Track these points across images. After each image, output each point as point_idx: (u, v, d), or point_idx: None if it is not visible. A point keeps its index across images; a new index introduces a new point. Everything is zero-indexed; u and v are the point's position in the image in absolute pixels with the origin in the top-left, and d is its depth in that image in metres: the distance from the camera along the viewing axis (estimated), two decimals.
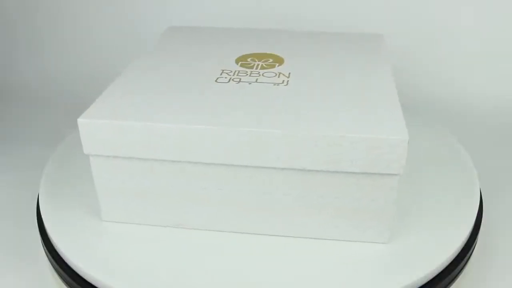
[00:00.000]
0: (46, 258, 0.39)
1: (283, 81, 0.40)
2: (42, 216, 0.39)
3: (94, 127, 0.34)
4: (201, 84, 0.39)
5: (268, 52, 0.46)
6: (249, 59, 0.44)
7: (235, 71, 0.42)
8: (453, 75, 0.73)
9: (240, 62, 0.43)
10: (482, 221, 0.40)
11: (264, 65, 0.43)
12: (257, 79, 0.40)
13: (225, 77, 0.40)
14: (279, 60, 0.44)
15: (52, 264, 0.37)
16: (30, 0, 0.78)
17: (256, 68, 0.42)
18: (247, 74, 0.41)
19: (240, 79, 0.40)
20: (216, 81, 0.40)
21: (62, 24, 0.79)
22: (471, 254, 0.38)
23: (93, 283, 0.34)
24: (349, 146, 0.32)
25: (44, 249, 0.38)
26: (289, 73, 0.41)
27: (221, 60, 0.44)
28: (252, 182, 0.35)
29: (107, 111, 0.35)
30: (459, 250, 0.36)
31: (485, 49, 0.73)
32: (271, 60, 0.44)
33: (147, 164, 0.35)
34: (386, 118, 0.34)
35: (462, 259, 0.36)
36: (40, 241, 0.40)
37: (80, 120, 0.34)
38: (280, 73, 0.41)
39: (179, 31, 0.51)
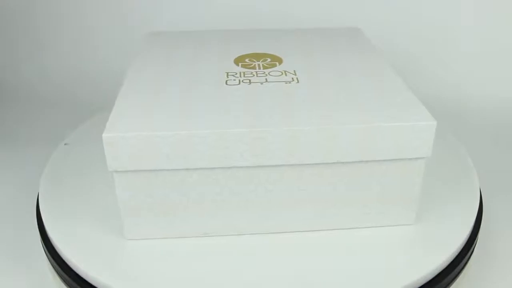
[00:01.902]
0: (46, 258, 0.39)
1: (293, 78, 0.40)
2: (42, 216, 0.39)
3: (121, 142, 0.33)
4: (212, 88, 0.38)
5: (263, 52, 0.46)
6: (247, 60, 0.44)
7: (240, 72, 0.41)
8: (453, 75, 0.73)
9: (240, 63, 0.43)
10: (482, 221, 0.40)
11: (265, 65, 0.43)
12: (266, 79, 0.40)
13: (234, 79, 0.40)
14: (278, 59, 0.44)
15: (52, 264, 0.37)
16: (30, 0, 0.78)
17: (259, 68, 0.42)
18: (253, 75, 0.41)
19: (250, 80, 0.40)
20: (226, 83, 0.39)
21: (62, 24, 0.79)
22: (471, 254, 0.38)
23: (93, 283, 0.34)
24: (382, 135, 0.33)
25: (44, 249, 0.38)
26: (294, 71, 0.41)
27: (220, 63, 0.43)
28: (285, 181, 0.35)
29: (131, 124, 0.33)
30: (459, 250, 0.36)
31: (485, 49, 0.73)
32: (269, 60, 0.44)
33: (176, 175, 0.34)
34: (407, 105, 0.36)
35: (462, 259, 0.36)
36: (40, 241, 0.40)
37: (105, 136, 0.32)
38: (285, 72, 0.41)
39: (161, 35, 0.50)
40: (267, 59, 0.44)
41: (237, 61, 0.44)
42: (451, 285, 0.36)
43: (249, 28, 0.53)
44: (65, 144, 0.43)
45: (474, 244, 0.38)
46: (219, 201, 0.35)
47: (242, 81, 0.40)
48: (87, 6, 0.78)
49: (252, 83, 0.39)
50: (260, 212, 0.36)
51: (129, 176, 0.34)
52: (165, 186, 0.35)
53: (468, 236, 0.37)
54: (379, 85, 0.39)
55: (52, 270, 0.38)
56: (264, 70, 0.42)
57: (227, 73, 0.41)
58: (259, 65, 0.43)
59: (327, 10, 0.76)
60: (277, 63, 0.43)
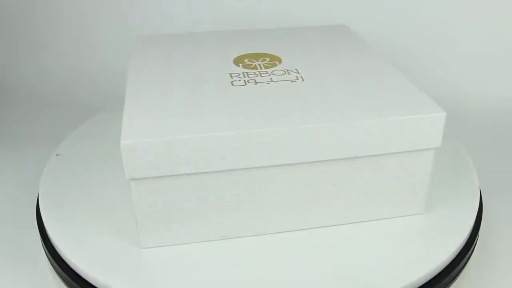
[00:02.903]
0: (46, 258, 0.39)
1: (297, 77, 0.40)
2: (42, 216, 0.39)
3: (140, 148, 0.32)
4: (219, 89, 0.38)
5: (260, 51, 0.46)
6: (246, 60, 0.44)
7: (242, 73, 0.41)
8: (453, 75, 0.73)
9: (240, 64, 0.43)
10: (482, 221, 0.40)
11: (266, 65, 0.43)
12: (271, 79, 0.40)
13: (238, 80, 0.40)
14: (277, 59, 0.44)
15: (52, 264, 0.37)
16: (30, 0, 0.78)
17: (260, 68, 0.42)
18: (257, 75, 0.41)
19: (255, 80, 0.40)
20: (232, 84, 0.39)
21: (62, 24, 0.79)
22: (471, 254, 0.38)
23: (93, 283, 0.34)
24: (396, 129, 0.34)
25: (44, 249, 0.38)
26: (296, 69, 0.42)
27: (219, 64, 0.43)
28: (304, 179, 0.35)
29: (148, 129, 0.33)
30: (459, 250, 0.36)
31: (485, 49, 0.73)
32: (268, 60, 0.44)
33: (195, 178, 0.34)
34: (414, 98, 0.37)
35: (462, 259, 0.36)
36: (40, 241, 0.40)
37: (123, 143, 0.31)
38: (287, 71, 0.41)
39: (152, 39, 0.49)
40: (266, 59, 0.44)
41: (236, 61, 0.44)
42: (451, 285, 0.36)
43: (242, 29, 0.53)
44: (56, 155, 0.42)
45: (474, 244, 0.38)
46: (238, 202, 0.35)
47: (248, 81, 0.40)
48: (87, 6, 0.78)
49: (258, 83, 0.39)
50: (278, 212, 0.36)
51: (147, 183, 0.33)
52: (183, 191, 0.34)
53: (468, 236, 0.37)
54: (382, 80, 0.40)
55: (52, 270, 0.38)
56: (267, 70, 0.42)
57: (230, 74, 0.41)
58: (259, 65, 0.43)
59: (327, 10, 0.76)
60: (277, 62, 0.43)
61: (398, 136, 0.35)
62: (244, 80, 0.40)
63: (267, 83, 0.39)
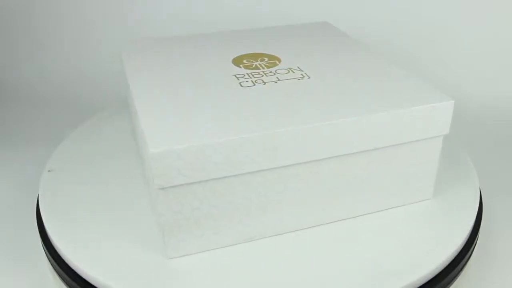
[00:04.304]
0: (46, 258, 0.39)
1: (302, 75, 0.40)
2: (42, 216, 0.39)
3: (171, 155, 0.31)
4: (230, 91, 0.38)
5: (256, 51, 0.46)
6: (244, 61, 0.44)
7: (246, 73, 0.41)
8: (453, 75, 0.73)
9: (240, 65, 0.43)
10: (482, 221, 0.40)
11: (267, 64, 0.43)
12: (278, 78, 0.40)
13: (246, 81, 0.40)
14: (275, 58, 0.44)
15: (52, 265, 0.37)
16: (30, 0, 0.78)
17: (262, 68, 0.42)
18: (262, 75, 0.41)
19: (262, 80, 0.40)
20: (241, 85, 0.39)
21: (62, 24, 0.79)
22: (471, 254, 0.38)
23: (93, 283, 0.34)
24: (410, 118, 0.36)
25: (44, 249, 0.38)
26: (298, 67, 0.42)
27: (220, 66, 0.43)
28: (327, 174, 0.36)
29: (175, 136, 0.32)
30: (459, 250, 0.36)
31: (485, 49, 0.73)
32: (266, 59, 0.44)
33: (224, 182, 0.33)
34: (421, 89, 0.38)
35: (462, 259, 0.36)
36: (40, 241, 0.40)
37: (153, 151, 0.30)
38: (290, 69, 0.42)
39: (143, 42, 0.49)
40: (264, 59, 0.44)
41: (236, 62, 0.44)
42: (451, 285, 0.36)
43: (225, 30, 0.53)
44: (48, 171, 0.42)
45: (474, 244, 0.38)
46: (265, 203, 0.35)
47: (256, 81, 0.39)
48: (87, 6, 0.78)
49: (266, 83, 0.39)
50: (303, 208, 0.37)
51: (176, 191, 0.32)
52: (213, 196, 0.33)
53: (468, 236, 0.37)
54: (383, 73, 0.41)
55: (52, 270, 0.38)
56: (270, 69, 0.42)
57: (235, 75, 0.41)
58: (260, 65, 0.43)
59: (327, 10, 0.76)
60: (276, 61, 0.43)
61: (412, 126, 0.36)
62: (252, 81, 0.40)
63: (275, 83, 0.39)
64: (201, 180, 0.32)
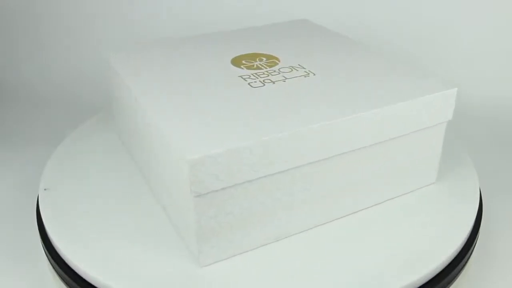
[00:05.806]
0: (46, 258, 0.39)
1: (307, 72, 0.41)
2: (42, 216, 0.39)
3: (208, 161, 0.30)
4: (242, 92, 0.37)
5: (254, 52, 0.46)
6: (244, 61, 0.44)
7: (251, 74, 0.41)
8: (453, 75, 0.73)
9: (241, 66, 0.43)
10: (482, 221, 0.40)
11: (268, 64, 0.43)
12: (284, 76, 0.40)
13: (253, 82, 0.39)
14: (272, 57, 0.44)
15: (52, 265, 0.37)
16: (30, 0, 0.78)
17: (265, 68, 0.42)
18: (267, 74, 0.41)
19: (270, 79, 0.40)
20: (251, 86, 0.39)
21: (62, 24, 0.79)
22: (470, 254, 0.38)
23: (93, 283, 0.34)
24: (418, 108, 0.37)
25: (44, 249, 0.38)
26: (300, 65, 0.42)
27: (221, 67, 0.42)
28: (345, 168, 0.36)
29: (208, 141, 0.31)
30: (459, 250, 0.36)
31: (485, 49, 0.73)
32: (265, 59, 0.44)
33: (256, 184, 0.33)
34: (424, 78, 0.39)
35: (462, 259, 0.36)
36: (40, 241, 0.40)
37: (190, 158, 0.29)
38: (292, 67, 0.42)
39: (134, 48, 0.47)
40: (263, 59, 0.44)
41: (236, 63, 0.43)
42: (451, 285, 0.36)
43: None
44: (44, 189, 0.42)
45: (474, 244, 0.38)
46: (293, 201, 0.35)
47: (264, 81, 0.39)
48: (87, 6, 0.78)
49: (275, 82, 0.39)
50: (328, 203, 0.37)
51: (211, 197, 0.32)
52: (245, 198, 0.33)
53: (468, 236, 0.37)
54: (383, 66, 0.42)
55: (52, 270, 0.38)
56: (273, 68, 0.42)
57: (241, 76, 0.40)
58: (261, 65, 0.43)
59: (327, 10, 0.76)
60: (275, 60, 0.43)
61: (419, 115, 0.37)
62: (260, 81, 0.39)
63: (284, 81, 0.39)
64: (236, 184, 0.32)
